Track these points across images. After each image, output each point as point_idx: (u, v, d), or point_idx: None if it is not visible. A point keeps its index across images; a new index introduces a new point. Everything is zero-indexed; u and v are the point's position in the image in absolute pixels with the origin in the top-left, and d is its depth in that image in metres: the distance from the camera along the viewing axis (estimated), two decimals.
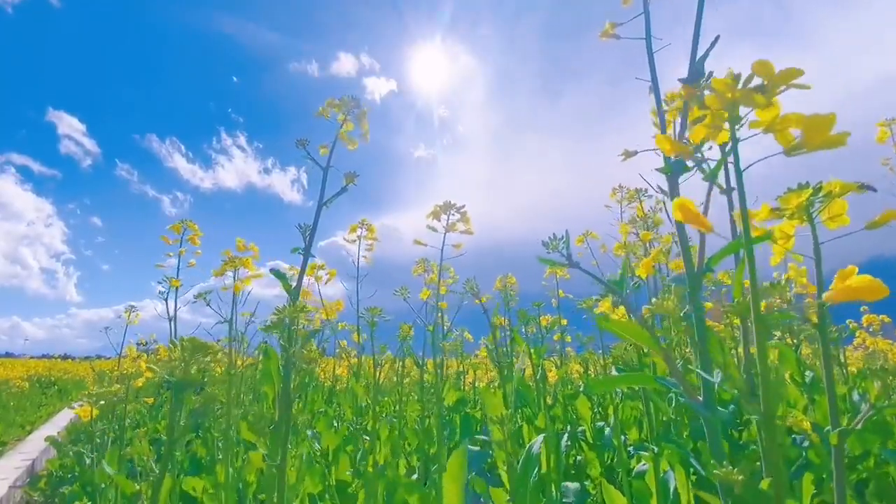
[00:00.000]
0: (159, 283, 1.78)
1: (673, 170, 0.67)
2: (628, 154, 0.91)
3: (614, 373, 1.29)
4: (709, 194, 0.70)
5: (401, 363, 2.83)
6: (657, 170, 0.73)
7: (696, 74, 0.68)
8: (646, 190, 2.03)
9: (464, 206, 1.53)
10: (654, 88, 0.83)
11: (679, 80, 0.71)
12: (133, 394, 1.81)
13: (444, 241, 1.56)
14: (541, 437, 1.38)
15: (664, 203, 2.10)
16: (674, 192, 0.69)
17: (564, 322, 3.30)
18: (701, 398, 0.60)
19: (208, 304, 1.61)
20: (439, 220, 1.55)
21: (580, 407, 2.17)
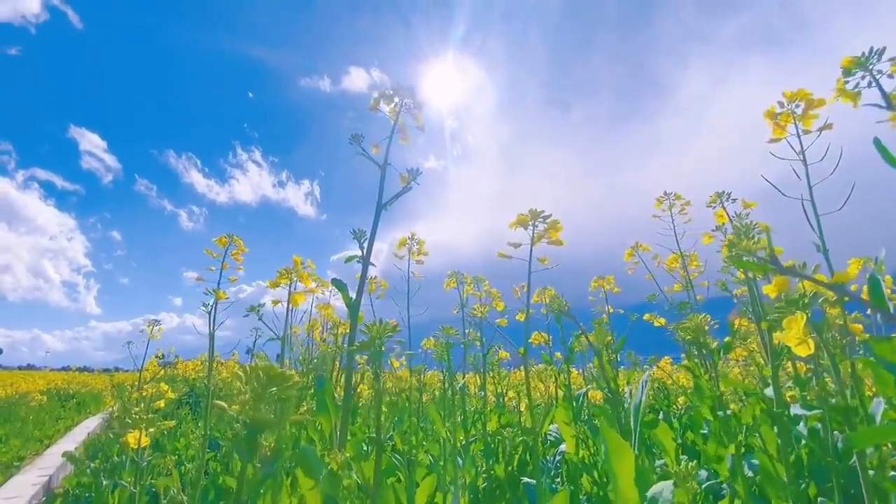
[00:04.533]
0: (204, 293, 1.63)
1: None
2: None
3: (800, 410, 1.05)
4: None
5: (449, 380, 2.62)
6: None
7: None
8: (730, 194, 1.79)
9: (552, 215, 1.34)
10: None
11: None
12: (152, 413, 1.64)
13: (531, 254, 1.36)
14: (669, 484, 1.16)
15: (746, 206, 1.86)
16: None
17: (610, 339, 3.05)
18: None
19: (260, 319, 1.44)
20: (525, 229, 1.36)
21: (661, 436, 1.93)
